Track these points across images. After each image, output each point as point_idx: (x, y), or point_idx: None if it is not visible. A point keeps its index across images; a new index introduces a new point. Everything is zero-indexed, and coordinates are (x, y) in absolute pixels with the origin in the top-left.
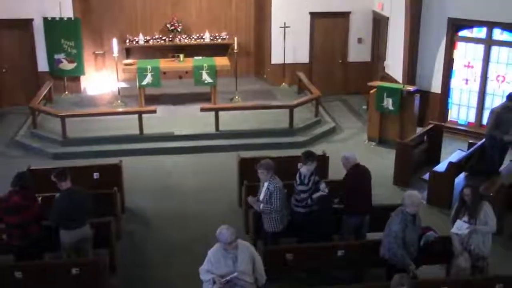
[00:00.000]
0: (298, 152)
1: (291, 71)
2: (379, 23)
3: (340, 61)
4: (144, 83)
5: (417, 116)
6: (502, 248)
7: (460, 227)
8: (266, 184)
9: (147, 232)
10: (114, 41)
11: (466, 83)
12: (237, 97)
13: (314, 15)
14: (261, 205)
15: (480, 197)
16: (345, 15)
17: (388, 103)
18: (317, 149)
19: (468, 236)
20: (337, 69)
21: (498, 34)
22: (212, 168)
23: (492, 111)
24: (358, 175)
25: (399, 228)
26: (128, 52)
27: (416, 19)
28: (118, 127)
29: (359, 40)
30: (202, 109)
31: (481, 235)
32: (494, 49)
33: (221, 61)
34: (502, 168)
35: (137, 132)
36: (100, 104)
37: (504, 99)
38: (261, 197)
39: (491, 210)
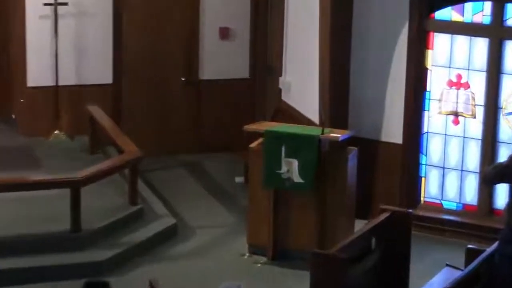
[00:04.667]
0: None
1: (72, 102)
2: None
3: (184, 78)
4: None
5: (354, 195)
6: None
7: None
8: None
9: None
10: None
11: (456, 121)
12: None
13: None
14: None
15: None
16: None
17: (292, 168)
18: (137, 276)
19: None
20: (178, 97)
21: None
22: None
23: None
24: None
25: None
26: None
27: None
28: None
29: (224, 33)
30: None
31: None
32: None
33: None
34: None
35: None
36: None
37: None
38: None
39: None
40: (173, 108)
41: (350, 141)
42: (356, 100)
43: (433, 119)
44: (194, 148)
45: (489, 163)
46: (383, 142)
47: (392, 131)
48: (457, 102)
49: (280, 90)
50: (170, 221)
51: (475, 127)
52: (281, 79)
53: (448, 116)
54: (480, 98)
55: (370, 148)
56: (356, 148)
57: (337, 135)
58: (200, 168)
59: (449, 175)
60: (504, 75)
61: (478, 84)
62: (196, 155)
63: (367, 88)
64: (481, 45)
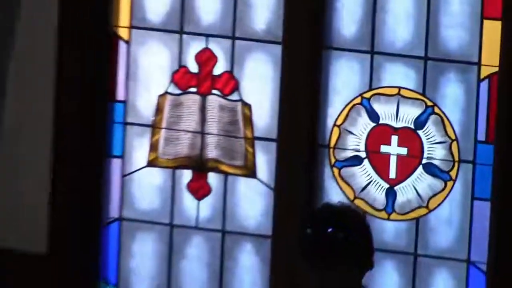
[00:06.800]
0: None
1: None
2: None
3: None
4: None
5: None
6: None
7: None
8: None
9: None
10: None
11: (203, 188)
12: None
13: None
14: None
15: None
16: None
17: None
18: None
19: None
20: None
21: None
22: None
23: None
24: None
25: None
26: None
27: None
28: None
29: None
30: None
31: None
32: None
33: None
34: None
35: None
36: None
37: None
38: None
39: None
40: None
41: None
42: None
43: (136, 181)
44: None
45: None
46: (15, 253)
47: (24, 225)
48: (202, 135)
49: None
50: None
51: (255, 200)
52: None
53: (175, 170)
54: (268, 119)
55: None
56: None
57: None
58: None
59: None
60: (333, 51)
61: (261, 80)
62: None
63: None
64: None
